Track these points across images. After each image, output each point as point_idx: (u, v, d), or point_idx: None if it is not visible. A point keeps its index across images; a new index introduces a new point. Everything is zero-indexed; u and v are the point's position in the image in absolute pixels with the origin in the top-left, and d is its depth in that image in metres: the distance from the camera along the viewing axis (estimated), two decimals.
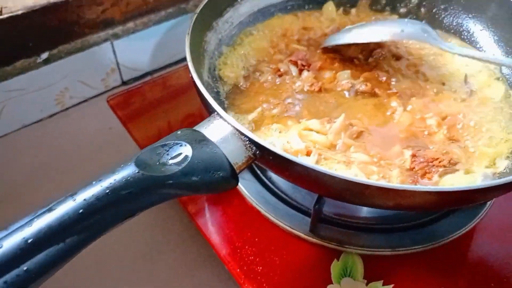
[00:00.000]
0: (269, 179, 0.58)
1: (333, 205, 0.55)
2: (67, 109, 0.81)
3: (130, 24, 0.81)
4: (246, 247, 0.52)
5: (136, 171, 0.35)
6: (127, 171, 0.35)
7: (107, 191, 0.33)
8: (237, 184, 0.41)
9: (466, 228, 0.55)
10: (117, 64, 0.83)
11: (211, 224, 0.54)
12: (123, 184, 0.34)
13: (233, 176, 0.40)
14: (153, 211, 0.63)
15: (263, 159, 0.42)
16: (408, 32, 0.57)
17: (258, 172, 0.59)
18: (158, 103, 0.75)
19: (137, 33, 0.82)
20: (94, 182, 0.34)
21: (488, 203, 0.57)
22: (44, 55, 0.73)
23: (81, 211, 0.32)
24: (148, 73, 0.89)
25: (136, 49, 0.84)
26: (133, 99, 0.74)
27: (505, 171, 0.50)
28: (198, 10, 0.54)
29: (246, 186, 0.57)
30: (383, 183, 0.38)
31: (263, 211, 0.55)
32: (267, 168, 0.46)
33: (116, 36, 0.80)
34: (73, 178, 0.68)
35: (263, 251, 0.52)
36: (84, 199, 0.33)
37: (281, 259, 0.51)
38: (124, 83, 0.86)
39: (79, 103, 0.82)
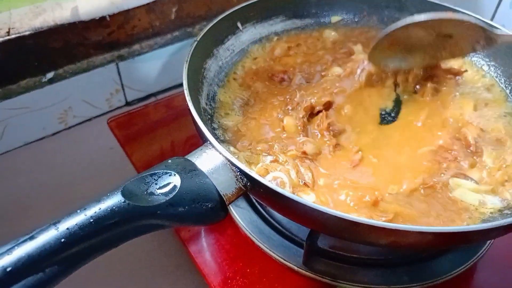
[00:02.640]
0: (264, 208, 0.57)
1: (329, 238, 0.53)
2: (69, 128, 0.81)
3: (136, 47, 0.82)
4: (237, 277, 0.51)
5: (122, 201, 0.35)
6: (113, 201, 0.35)
7: (91, 220, 0.33)
8: (225, 216, 0.40)
9: (467, 265, 0.53)
10: (122, 85, 0.83)
11: (203, 252, 0.53)
12: (108, 213, 0.34)
13: (222, 208, 0.40)
14: (149, 235, 0.62)
15: (254, 191, 0.41)
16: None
17: (254, 200, 0.58)
18: (160, 126, 0.75)
19: (143, 55, 0.83)
20: (78, 211, 0.34)
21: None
22: (50, 75, 0.74)
23: (63, 240, 0.32)
24: (153, 95, 0.89)
25: (141, 71, 0.85)
26: (134, 121, 0.74)
27: None
28: (198, 37, 0.55)
29: (241, 215, 0.56)
30: (373, 221, 0.37)
31: (256, 241, 0.54)
32: (258, 200, 0.45)
33: (122, 58, 0.81)
34: (73, 197, 0.67)
35: (254, 283, 0.51)
36: (67, 228, 0.32)
37: None
38: (128, 103, 0.87)
39: (82, 122, 0.82)
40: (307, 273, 0.51)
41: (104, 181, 0.63)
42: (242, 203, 0.57)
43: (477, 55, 0.66)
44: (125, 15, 0.77)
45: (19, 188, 0.73)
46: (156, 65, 0.86)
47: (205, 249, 0.54)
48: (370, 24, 0.71)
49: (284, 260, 0.52)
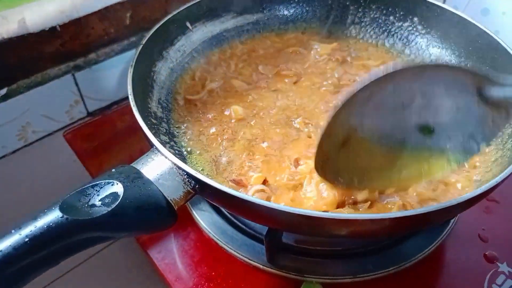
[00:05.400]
0: None
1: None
2: (30, 144, 0.79)
3: (92, 55, 0.80)
4: (203, 282, 0.50)
5: (60, 216, 0.33)
6: (50, 217, 0.33)
7: (26, 239, 0.32)
8: (175, 221, 0.39)
9: (432, 247, 0.53)
10: (81, 95, 0.81)
11: (166, 259, 0.52)
12: (44, 230, 0.33)
13: (171, 213, 0.39)
14: (116, 247, 0.61)
15: (203, 193, 0.40)
16: None
17: None
18: (122, 134, 0.73)
19: (100, 63, 0.81)
20: (13, 231, 0.32)
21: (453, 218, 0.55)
22: (3, 91, 0.72)
23: None
24: (116, 103, 0.87)
25: (100, 80, 0.83)
26: (95, 131, 0.72)
27: None
28: (143, 41, 0.54)
29: (203, 218, 0.55)
30: (320, 212, 0.36)
31: (220, 242, 0.53)
32: (209, 200, 0.45)
33: (78, 68, 0.79)
34: None
35: (220, 286, 0.50)
36: (0, 250, 0.31)
37: None
38: (90, 114, 0.85)
39: (43, 137, 0.80)
40: (273, 271, 0.50)
41: None
42: (205, 206, 0.56)
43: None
44: (77, 24, 0.75)
45: None
46: (116, 73, 0.84)
47: (168, 255, 0.53)
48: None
49: (249, 259, 0.51)
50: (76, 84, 0.80)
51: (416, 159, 0.40)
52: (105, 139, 0.70)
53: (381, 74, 0.35)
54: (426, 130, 0.38)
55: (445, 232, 0.54)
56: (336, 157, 0.40)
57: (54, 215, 0.33)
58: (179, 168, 0.40)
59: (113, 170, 0.39)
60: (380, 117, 0.37)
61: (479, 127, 0.37)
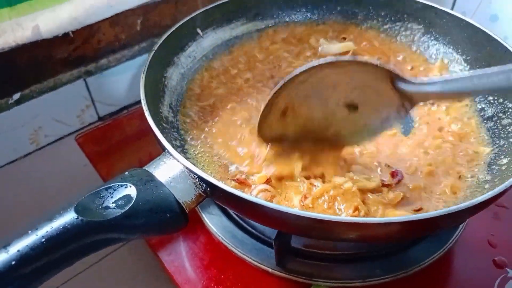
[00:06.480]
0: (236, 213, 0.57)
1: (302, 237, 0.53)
2: (41, 148, 0.80)
3: (103, 61, 0.81)
4: (212, 285, 0.51)
5: (75, 217, 0.34)
6: (66, 218, 0.34)
7: (43, 240, 0.33)
8: (186, 224, 0.40)
9: (441, 252, 0.53)
10: (92, 100, 0.83)
11: (176, 262, 0.53)
12: (60, 231, 0.33)
13: (182, 216, 0.39)
14: (126, 248, 0.62)
15: (214, 196, 0.41)
16: None
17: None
18: (132, 138, 0.75)
19: (111, 68, 0.82)
20: (30, 231, 0.33)
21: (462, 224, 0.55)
22: (16, 96, 0.73)
23: (13, 262, 0.31)
24: (125, 108, 0.88)
25: (111, 85, 0.84)
26: (106, 135, 0.73)
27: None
28: (155, 47, 0.55)
29: (213, 221, 0.55)
30: (332, 216, 0.36)
31: (229, 246, 0.53)
32: (220, 204, 0.45)
33: (89, 73, 0.80)
34: None
35: None
36: (18, 250, 0.32)
37: None
38: (100, 118, 0.86)
39: (55, 141, 0.81)
40: (282, 274, 0.51)
41: None
42: (214, 209, 0.57)
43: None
44: (89, 30, 0.77)
45: None
46: (126, 78, 0.85)
47: (178, 258, 0.53)
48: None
49: (258, 263, 0.52)
50: (88, 89, 0.81)
51: (342, 128, 0.48)
52: (115, 143, 0.71)
53: (315, 64, 0.43)
54: (352, 107, 0.46)
55: (454, 238, 0.54)
56: (276, 123, 0.48)
57: (69, 217, 0.34)
58: (191, 171, 0.40)
59: (126, 173, 0.40)
60: (314, 95, 0.46)
61: (390, 109, 0.46)
